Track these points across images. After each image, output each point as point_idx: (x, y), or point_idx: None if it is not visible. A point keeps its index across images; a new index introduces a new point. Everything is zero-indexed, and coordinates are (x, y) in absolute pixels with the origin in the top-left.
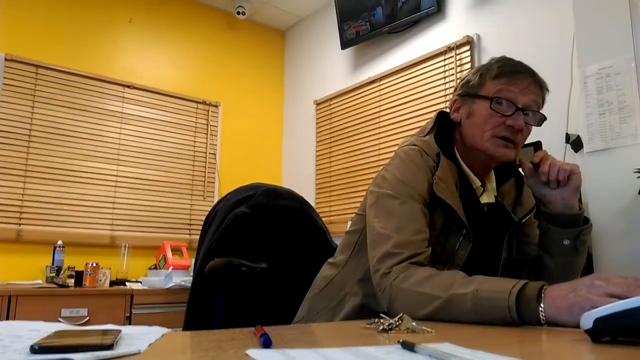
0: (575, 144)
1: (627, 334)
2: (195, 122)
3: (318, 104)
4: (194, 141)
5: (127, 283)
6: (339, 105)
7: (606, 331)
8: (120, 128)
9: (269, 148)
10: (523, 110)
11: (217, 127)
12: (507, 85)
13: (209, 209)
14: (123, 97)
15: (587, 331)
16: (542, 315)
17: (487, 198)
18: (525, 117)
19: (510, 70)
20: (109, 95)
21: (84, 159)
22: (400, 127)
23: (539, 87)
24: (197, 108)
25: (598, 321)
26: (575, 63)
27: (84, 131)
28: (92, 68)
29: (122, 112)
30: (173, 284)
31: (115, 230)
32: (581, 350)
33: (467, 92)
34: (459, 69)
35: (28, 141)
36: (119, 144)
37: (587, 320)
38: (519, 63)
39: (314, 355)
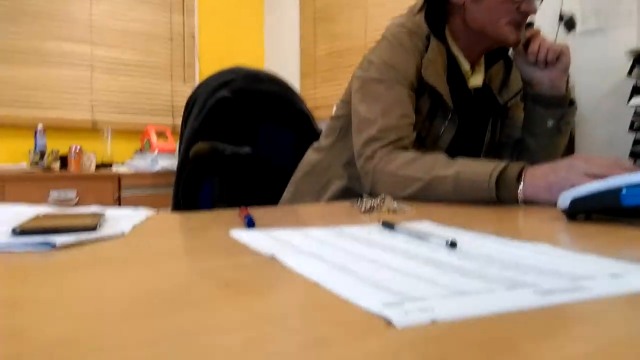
0: (568, 23)
1: (601, 212)
2: None
3: None
4: (170, 21)
5: (113, 167)
6: None
7: (582, 210)
8: (90, 6)
9: (250, 29)
10: None
11: (193, 4)
12: None
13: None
14: None
15: (563, 210)
16: (520, 195)
17: (475, 81)
18: None
19: None
20: None
21: (54, 39)
22: (389, 5)
23: None
24: None
25: (575, 200)
26: None
27: (50, 9)
28: None
29: None
30: (159, 167)
31: (96, 114)
32: (557, 228)
33: None
34: None
35: None
36: (91, 23)
37: (565, 199)
38: None
39: (296, 235)
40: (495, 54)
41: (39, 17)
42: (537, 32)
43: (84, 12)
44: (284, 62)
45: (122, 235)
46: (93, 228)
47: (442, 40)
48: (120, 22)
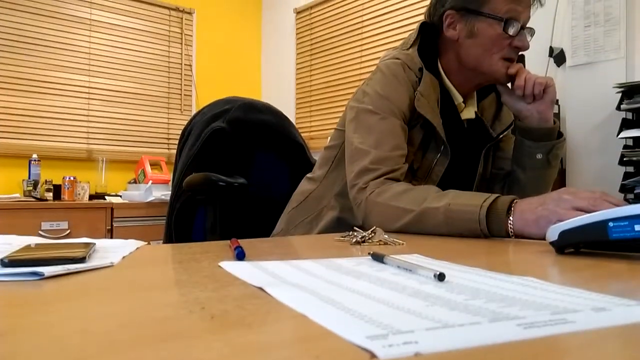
0: (558, 57)
1: (589, 245)
2: (169, 31)
3: (298, 13)
4: (169, 52)
5: (106, 197)
6: (320, 15)
7: (570, 243)
8: (90, 37)
9: (247, 60)
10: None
11: (192, 36)
12: (514, 5)
13: None
14: (90, 2)
15: (552, 243)
16: (510, 227)
17: (467, 114)
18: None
19: None
20: (76, 0)
21: (53, 69)
22: (384, 38)
23: (537, 2)
24: (170, 15)
25: (563, 234)
26: None
27: (51, 39)
28: None
29: (90, 19)
30: (153, 198)
31: (91, 144)
32: (545, 261)
33: (468, 7)
34: None
35: None
36: (89, 53)
37: (553, 232)
38: None
39: (285, 267)
40: (487, 87)
41: (39, 47)
42: (520, 66)
43: (83, 43)
44: (280, 92)
45: (111, 266)
46: (82, 259)
47: (435, 73)
48: (119, 52)
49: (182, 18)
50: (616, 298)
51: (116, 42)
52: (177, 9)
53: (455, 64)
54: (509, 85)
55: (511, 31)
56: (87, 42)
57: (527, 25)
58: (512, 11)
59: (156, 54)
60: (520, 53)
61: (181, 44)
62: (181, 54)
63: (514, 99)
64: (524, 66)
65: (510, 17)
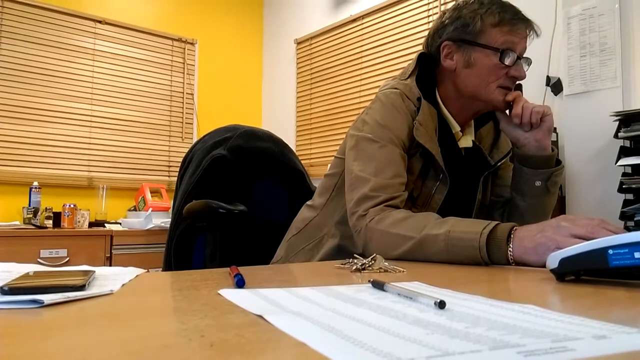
0: (555, 86)
1: (590, 273)
2: (172, 61)
3: (299, 43)
4: (171, 81)
5: (106, 224)
6: (320, 45)
7: (571, 271)
8: (93, 66)
9: (249, 88)
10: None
11: (194, 66)
12: (510, 36)
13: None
14: (95, 33)
15: (552, 271)
16: (510, 255)
17: (465, 142)
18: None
19: (510, 17)
20: (80, 31)
21: (56, 98)
22: (382, 68)
23: (533, 33)
24: (172, 45)
25: (563, 261)
26: (560, 4)
27: (54, 69)
28: (61, 1)
29: (94, 49)
30: (153, 225)
31: (92, 172)
32: (546, 289)
33: (464, 38)
34: (443, 8)
35: None
36: (92, 82)
37: (553, 260)
38: (514, 7)
39: (285, 294)
40: (485, 115)
41: (42, 76)
42: (518, 94)
43: (86, 72)
44: (280, 120)
45: (111, 293)
46: (82, 287)
47: (433, 103)
48: (122, 81)
49: (184, 48)
50: (617, 326)
51: (119, 72)
52: (179, 40)
53: (452, 93)
54: (507, 112)
55: (507, 61)
56: (91, 71)
57: (524, 55)
58: (508, 42)
59: (158, 83)
60: (517, 82)
61: (183, 73)
62: (183, 82)
63: (511, 127)
64: (522, 94)
65: (506, 48)
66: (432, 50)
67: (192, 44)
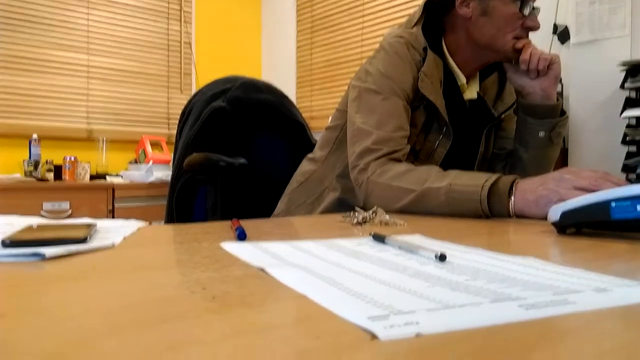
0: (562, 35)
1: (591, 225)
2: (168, 8)
3: None
4: (167, 29)
5: (107, 177)
6: None
7: (572, 223)
8: (88, 14)
9: (248, 38)
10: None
11: (190, 13)
12: None
13: None
14: None
15: (553, 223)
16: (511, 207)
17: (470, 94)
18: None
19: None
20: None
21: (51, 47)
22: (386, 15)
23: None
24: None
25: (565, 214)
26: None
27: (48, 17)
28: None
29: None
30: (154, 178)
31: (91, 124)
32: (547, 241)
33: None
34: None
35: None
36: (88, 31)
37: (554, 213)
38: None
39: (286, 247)
40: (489, 67)
41: (36, 25)
42: (528, 42)
43: (81, 20)
44: (280, 71)
45: (112, 246)
46: (83, 240)
47: (439, 53)
48: (118, 30)
49: None
50: (617, 279)
51: (115, 20)
52: None
53: (462, 42)
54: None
55: (526, 11)
56: (85, 19)
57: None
58: None
59: (155, 32)
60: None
61: (180, 21)
62: (180, 31)
63: (517, 75)
64: (531, 42)
65: None
66: None
67: None
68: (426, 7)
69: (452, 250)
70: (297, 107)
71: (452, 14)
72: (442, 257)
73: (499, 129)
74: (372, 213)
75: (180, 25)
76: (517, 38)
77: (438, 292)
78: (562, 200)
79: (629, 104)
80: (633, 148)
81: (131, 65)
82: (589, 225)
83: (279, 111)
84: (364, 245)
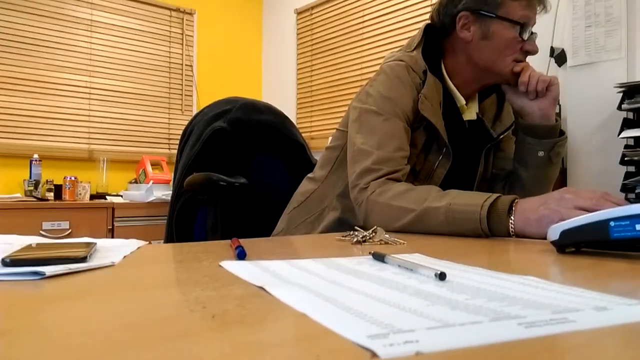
0: (559, 57)
1: (590, 244)
2: (170, 32)
3: (299, 13)
4: (169, 52)
5: (107, 197)
6: (321, 15)
7: (571, 242)
8: (90, 37)
9: (248, 60)
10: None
11: (192, 36)
12: (527, 11)
13: None
14: (91, 2)
15: (553, 242)
16: (511, 227)
17: (469, 115)
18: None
19: None
20: (76, 0)
21: (54, 69)
22: (385, 39)
23: (543, 8)
24: (170, 16)
25: (564, 233)
26: None
27: (51, 40)
28: None
29: (91, 20)
30: (154, 198)
31: (92, 144)
32: (546, 260)
33: (483, 9)
34: None
35: None
36: (90, 54)
37: (554, 232)
38: None
39: (286, 266)
40: (488, 88)
41: (39, 48)
42: (526, 64)
43: (84, 43)
44: (280, 92)
45: (112, 265)
46: (83, 258)
47: (438, 75)
48: (120, 53)
49: (183, 19)
50: (617, 297)
51: (117, 43)
52: (178, 10)
53: (462, 65)
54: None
55: (525, 35)
56: (88, 42)
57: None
58: (525, 17)
59: (157, 55)
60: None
61: (182, 44)
62: (182, 54)
63: (516, 96)
64: (529, 64)
65: (524, 22)
66: (444, 20)
67: (190, 14)
68: (426, 31)
69: (451, 269)
70: (297, 127)
71: (452, 37)
72: (442, 276)
73: (498, 149)
74: (372, 232)
75: (182, 48)
76: (516, 61)
77: (438, 310)
78: (563, 219)
79: (626, 124)
80: (632, 168)
81: (132, 87)
82: (588, 245)
83: (279, 132)
84: (363, 264)
